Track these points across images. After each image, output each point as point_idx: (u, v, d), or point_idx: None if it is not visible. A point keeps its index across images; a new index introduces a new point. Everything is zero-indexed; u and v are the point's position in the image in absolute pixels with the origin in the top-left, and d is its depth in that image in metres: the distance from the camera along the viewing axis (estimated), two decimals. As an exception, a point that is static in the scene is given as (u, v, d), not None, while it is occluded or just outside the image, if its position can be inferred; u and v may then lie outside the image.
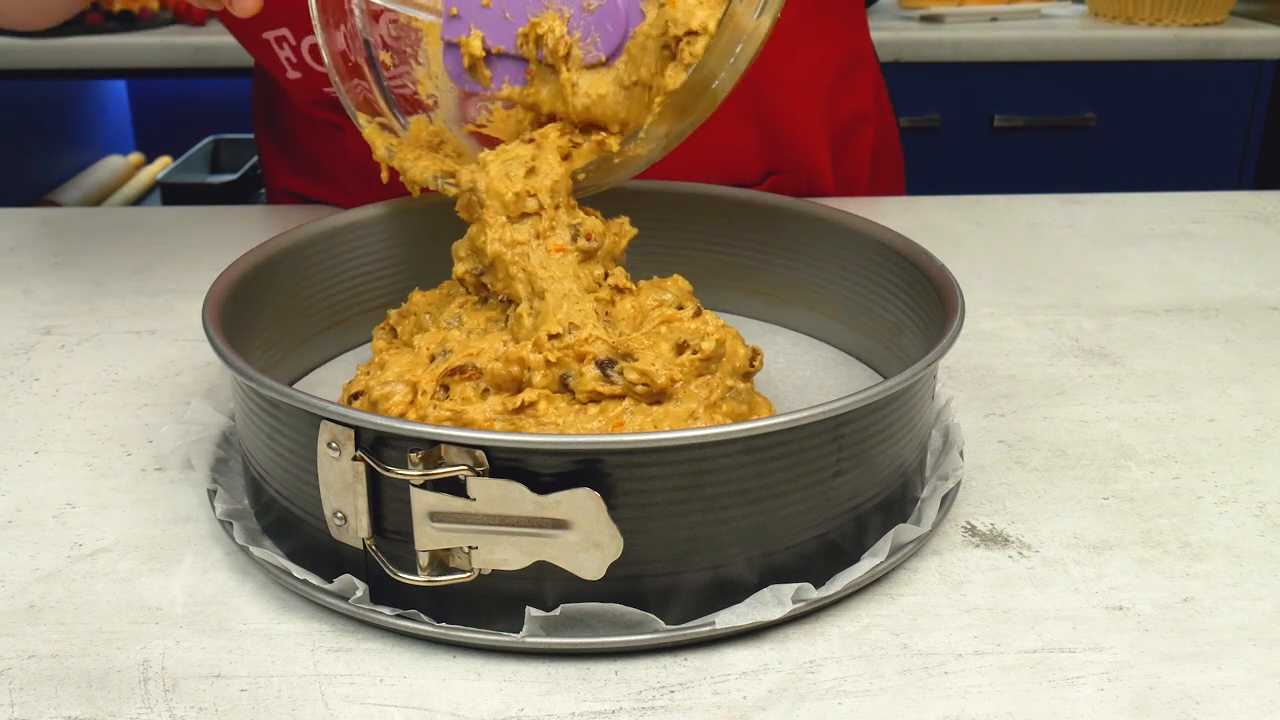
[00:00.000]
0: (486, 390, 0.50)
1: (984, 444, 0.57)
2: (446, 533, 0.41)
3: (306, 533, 0.45)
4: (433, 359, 0.52)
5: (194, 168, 2.26)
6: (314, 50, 0.78)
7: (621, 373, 0.49)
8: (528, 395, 0.49)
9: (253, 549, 0.46)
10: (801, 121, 0.88)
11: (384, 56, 0.62)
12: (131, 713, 0.40)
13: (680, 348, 0.51)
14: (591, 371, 0.49)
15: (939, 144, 1.95)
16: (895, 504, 0.48)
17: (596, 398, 0.49)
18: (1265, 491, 0.53)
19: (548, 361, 0.49)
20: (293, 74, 0.80)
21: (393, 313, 0.59)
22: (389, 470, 0.41)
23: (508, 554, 0.41)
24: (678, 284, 0.56)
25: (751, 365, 0.52)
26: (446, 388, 0.50)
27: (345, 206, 0.89)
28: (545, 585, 0.42)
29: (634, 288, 0.55)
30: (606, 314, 0.53)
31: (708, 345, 0.50)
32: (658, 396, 0.49)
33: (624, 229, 0.57)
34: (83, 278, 0.78)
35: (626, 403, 0.49)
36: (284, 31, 0.78)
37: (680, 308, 0.53)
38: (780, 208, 0.65)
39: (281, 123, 0.93)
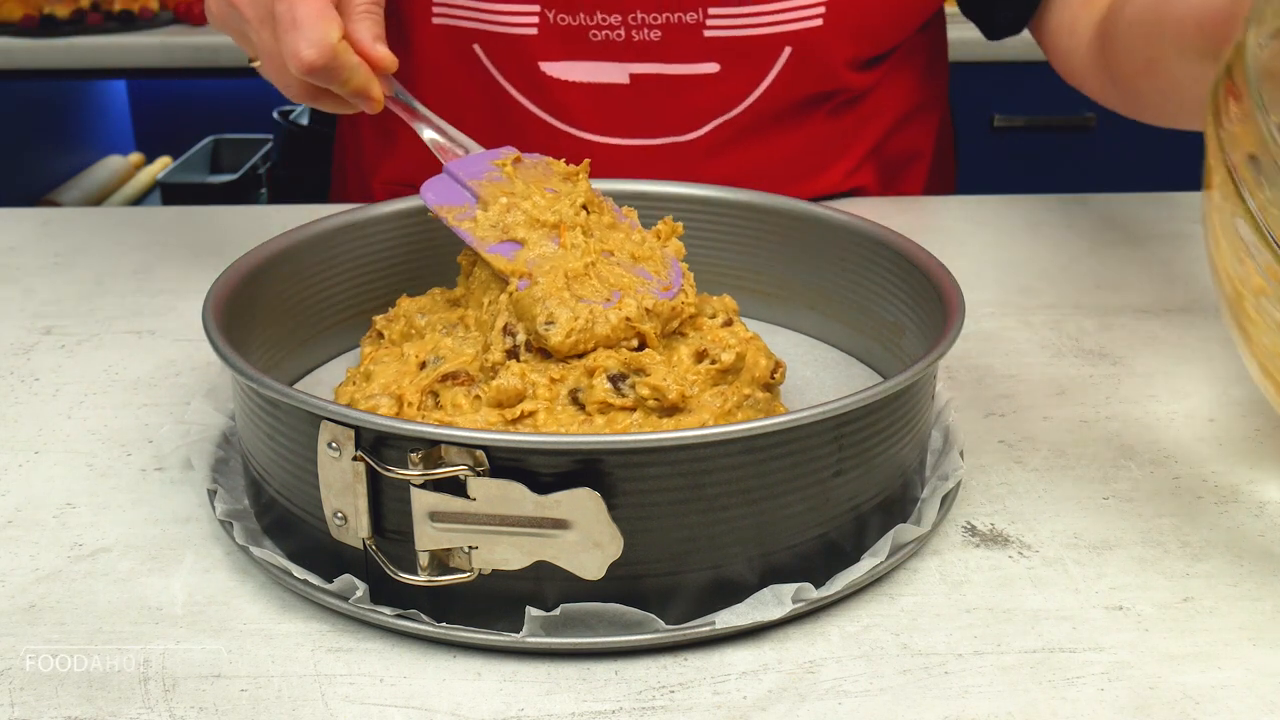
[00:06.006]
0: (477, 397, 0.49)
1: (984, 444, 0.57)
2: (446, 533, 0.41)
3: (306, 533, 0.45)
4: (423, 365, 0.51)
5: (194, 168, 2.26)
6: None
7: (634, 386, 0.49)
8: (527, 405, 0.48)
9: (253, 549, 0.46)
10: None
11: None
12: (131, 713, 0.40)
13: (700, 355, 0.50)
14: (602, 384, 0.49)
15: (939, 144, 1.95)
16: (895, 504, 0.48)
17: (606, 409, 0.49)
18: (1265, 491, 0.53)
19: (553, 379, 0.49)
20: None
21: (379, 319, 0.58)
22: (389, 470, 0.41)
23: (508, 554, 0.41)
24: (724, 302, 0.56)
25: (772, 377, 0.52)
26: (436, 395, 0.50)
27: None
28: (545, 585, 0.42)
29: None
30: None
31: (727, 357, 0.50)
32: (670, 410, 0.49)
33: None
34: (83, 278, 0.78)
35: (636, 414, 0.49)
36: None
37: (713, 316, 0.53)
38: (780, 208, 0.65)
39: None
